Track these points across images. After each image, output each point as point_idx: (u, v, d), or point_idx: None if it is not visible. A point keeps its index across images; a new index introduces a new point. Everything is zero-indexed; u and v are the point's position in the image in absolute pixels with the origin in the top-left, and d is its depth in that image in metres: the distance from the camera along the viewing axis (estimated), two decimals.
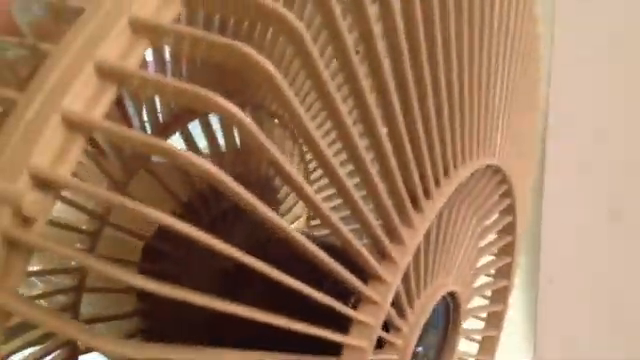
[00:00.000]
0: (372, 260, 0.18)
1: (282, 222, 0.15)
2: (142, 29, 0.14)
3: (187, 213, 0.27)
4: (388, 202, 0.18)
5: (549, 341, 0.60)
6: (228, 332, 0.19)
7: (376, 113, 0.17)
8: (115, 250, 0.25)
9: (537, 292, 0.60)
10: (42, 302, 0.27)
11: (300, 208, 0.38)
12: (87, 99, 0.14)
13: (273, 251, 0.19)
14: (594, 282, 0.59)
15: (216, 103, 0.13)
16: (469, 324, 0.33)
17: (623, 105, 0.57)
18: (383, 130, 0.17)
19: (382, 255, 0.19)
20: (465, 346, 0.34)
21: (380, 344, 0.22)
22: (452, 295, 0.27)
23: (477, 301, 0.35)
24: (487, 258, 0.33)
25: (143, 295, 0.26)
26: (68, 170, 0.13)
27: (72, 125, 0.13)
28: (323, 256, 0.16)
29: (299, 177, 0.14)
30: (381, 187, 0.18)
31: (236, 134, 0.31)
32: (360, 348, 0.18)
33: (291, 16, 0.14)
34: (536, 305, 0.60)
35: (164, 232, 0.29)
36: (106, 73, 0.14)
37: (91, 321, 0.25)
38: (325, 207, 0.15)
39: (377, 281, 0.18)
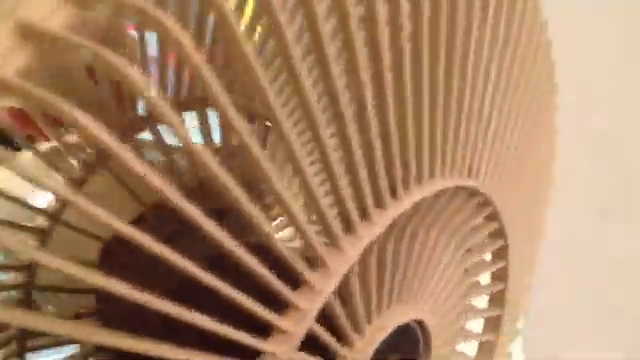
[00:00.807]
0: (284, 288, 0.17)
1: (222, 235, 0.15)
2: (28, 33, 0.14)
3: (155, 213, 0.27)
4: (309, 226, 0.17)
5: (538, 342, 0.57)
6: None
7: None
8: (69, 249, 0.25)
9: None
10: None
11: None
12: None
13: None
14: (589, 279, 0.56)
15: (70, 114, 0.12)
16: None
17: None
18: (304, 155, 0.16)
19: (298, 281, 0.17)
20: None
21: None
22: (420, 323, 0.25)
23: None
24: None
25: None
26: None
27: None
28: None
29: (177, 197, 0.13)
30: (302, 217, 0.16)
31: (217, 135, 0.30)
32: None
33: (172, 23, 0.13)
34: None
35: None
36: None
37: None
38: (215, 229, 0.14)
39: (291, 309, 0.17)
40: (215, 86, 0.14)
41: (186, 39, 0.12)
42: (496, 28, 0.23)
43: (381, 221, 0.19)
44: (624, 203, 0.58)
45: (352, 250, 0.18)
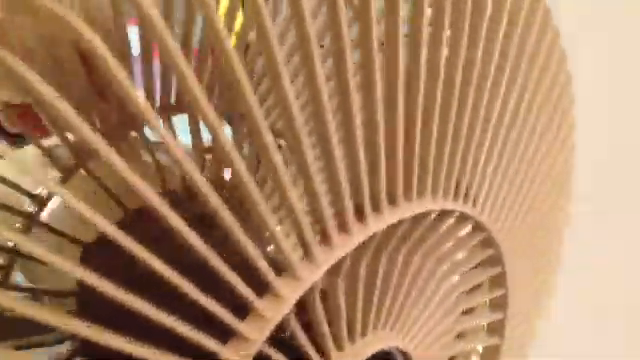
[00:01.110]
0: (230, 318, 0.16)
1: (153, 261, 0.14)
2: None
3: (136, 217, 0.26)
4: (255, 250, 0.16)
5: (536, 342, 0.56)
6: None
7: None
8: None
9: None
10: None
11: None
12: None
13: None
14: (588, 279, 0.54)
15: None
16: None
17: None
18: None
19: (246, 310, 0.16)
20: None
21: None
22: (404, 354, 0.24)
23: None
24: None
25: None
26: None
27: None
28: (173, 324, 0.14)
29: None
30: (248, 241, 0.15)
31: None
32: None
33: (79, 22, 0.12)
34: None
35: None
36: None
37: None
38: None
39: (237, 338, 0.16)
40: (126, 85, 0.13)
41: (84, 29, 0.11)
42: (497, 21, 0.21)
43: (344, 246, 0.18)
44: (624, 203, 0.56)
45: (308, 276, 0.17)
